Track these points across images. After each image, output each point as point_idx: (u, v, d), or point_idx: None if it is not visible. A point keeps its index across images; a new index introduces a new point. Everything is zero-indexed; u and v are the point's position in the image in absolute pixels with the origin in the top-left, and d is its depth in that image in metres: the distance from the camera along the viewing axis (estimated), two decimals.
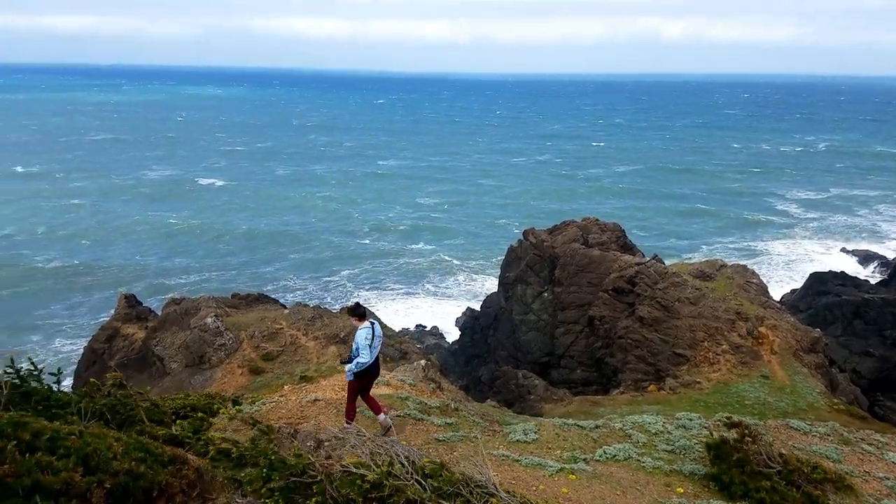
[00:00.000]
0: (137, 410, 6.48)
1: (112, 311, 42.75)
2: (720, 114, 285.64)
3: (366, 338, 9.85)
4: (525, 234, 47.59)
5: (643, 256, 41.83)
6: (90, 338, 40.31)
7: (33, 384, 6.10)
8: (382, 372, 16.37)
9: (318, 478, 4.95)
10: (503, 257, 51.02)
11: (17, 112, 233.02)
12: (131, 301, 38.09)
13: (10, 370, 6.01)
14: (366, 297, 64.55)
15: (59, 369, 7.25)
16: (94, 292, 63.94)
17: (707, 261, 42.28)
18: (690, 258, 64.83)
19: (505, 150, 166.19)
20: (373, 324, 10.10)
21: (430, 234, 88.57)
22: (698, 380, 32.79)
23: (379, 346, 10.16)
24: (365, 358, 9.82)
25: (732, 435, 11.66)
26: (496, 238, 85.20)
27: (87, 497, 4.39)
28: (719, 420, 14.20)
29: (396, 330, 43.53)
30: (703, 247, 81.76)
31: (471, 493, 5.48)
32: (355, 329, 10.05)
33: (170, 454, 5.12)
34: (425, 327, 59.48)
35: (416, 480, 5.42)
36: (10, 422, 4.64)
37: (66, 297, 62.85)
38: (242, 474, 5.15)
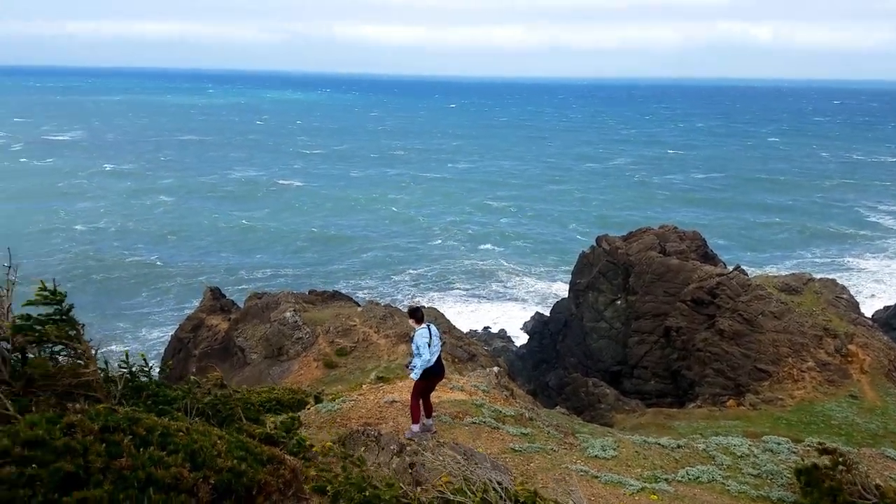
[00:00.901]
0: (236, 409, 6.76)
1: (197, 303, 44.81)
2: (809, 121, 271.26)
3: (424, 338, 10.22)
4: (598, 240, 46.74)
5: (725, 267, 40.33)
6: (176, 327, 42.37)
7: (143, 379, 6.47)
8: (456, 377, 16.44)
9: None
10: (573, 263, 50.23)
11: (113, 113, 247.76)
12: (216, 294, 39.79)
13: (124, 365, 6.39)
14: (433, 298, 65.00)
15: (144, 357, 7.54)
16: (178, 284, 67.11)
17: (794, 274, 40.38)
18: (774, 271, 61.97)
19: (577, 155, 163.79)
20: (429, 326, 10.48)
21: (498, 238, 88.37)
22: (781, 396, 31.41)
23: (438, 346, 10.44)
24: (426, 356, 10.16)
25: (825, 462, 11.06)
26: (566, 243, 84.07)
27: (193, 492, 4.58)
28: (810, 445, 13.51)
29: (464, 331, 43.59)
30: (786, 260, 77.93)
31: None
32: (414, 331, 10.44)
33: (268, 453, 5.30)
34: (492, 330, 59.30)
35: None
36: (125, 417, 4.92)
37: (153, 288, 66.23)
38: None
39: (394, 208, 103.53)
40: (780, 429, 26.67)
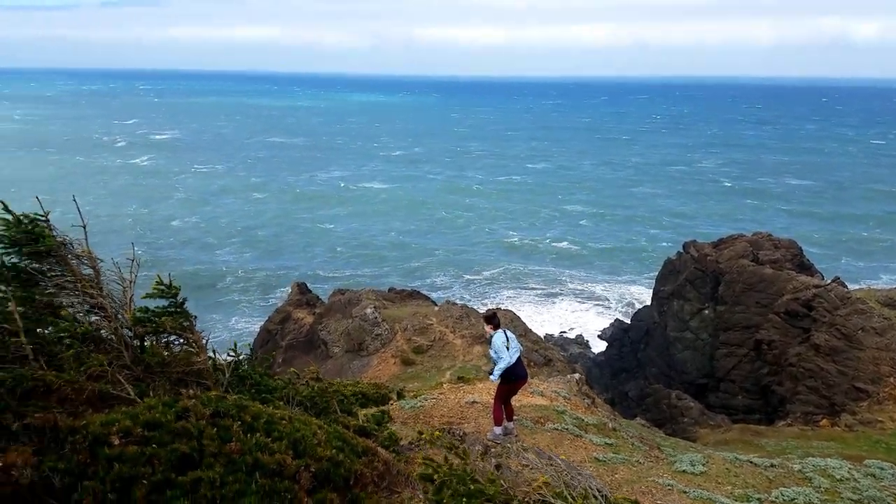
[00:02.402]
0: (332, 401, 7.01)
1: (282, 296, 46.54)
2: None
3: (502, 341, 10.14)
4: (686, 246, 45.22)
5: (822, 278, 38.12)
6: (263, 319, 44.12)
7: (246, 368, 6.81)
8: (536, 381, 16.33)
9: None
10: (655, 270, 48.76)
11: (207, 115, 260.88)
12: (303, 289, 41.24)
13: (232, 354, 6.77)
14: (508, 300, 64.68)
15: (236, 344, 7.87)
16: (264, 279, 69.93)
17: None
18: (875, 284, 57.93)
19: (662, 158, 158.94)
20: (504, 331, 10.35)
21: (576, 241, 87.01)
22: (880, 418, 29.42)
23: (517, 349, 10.28)
24: (505, 357, 10.06)
25: None
26: (648, 249, 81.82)
27: (296, 478, 4.79)
28: None
29: (540, 335, 43.12)
30: (888, 273, 72.69)
31: None
32: (490, 336, 10.37)
33: (363, 445, 5.47)
34: (568, 335, 58.36)
35: None
36: (234, 404, 5.20)
37: (241, 281, 69.31)
38: (441, 497, 5.37)
39: (470, 210, 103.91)
40: (878, 453, 24.93)
